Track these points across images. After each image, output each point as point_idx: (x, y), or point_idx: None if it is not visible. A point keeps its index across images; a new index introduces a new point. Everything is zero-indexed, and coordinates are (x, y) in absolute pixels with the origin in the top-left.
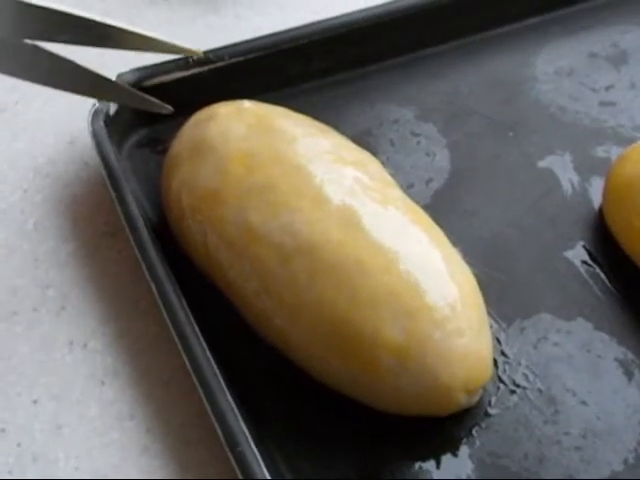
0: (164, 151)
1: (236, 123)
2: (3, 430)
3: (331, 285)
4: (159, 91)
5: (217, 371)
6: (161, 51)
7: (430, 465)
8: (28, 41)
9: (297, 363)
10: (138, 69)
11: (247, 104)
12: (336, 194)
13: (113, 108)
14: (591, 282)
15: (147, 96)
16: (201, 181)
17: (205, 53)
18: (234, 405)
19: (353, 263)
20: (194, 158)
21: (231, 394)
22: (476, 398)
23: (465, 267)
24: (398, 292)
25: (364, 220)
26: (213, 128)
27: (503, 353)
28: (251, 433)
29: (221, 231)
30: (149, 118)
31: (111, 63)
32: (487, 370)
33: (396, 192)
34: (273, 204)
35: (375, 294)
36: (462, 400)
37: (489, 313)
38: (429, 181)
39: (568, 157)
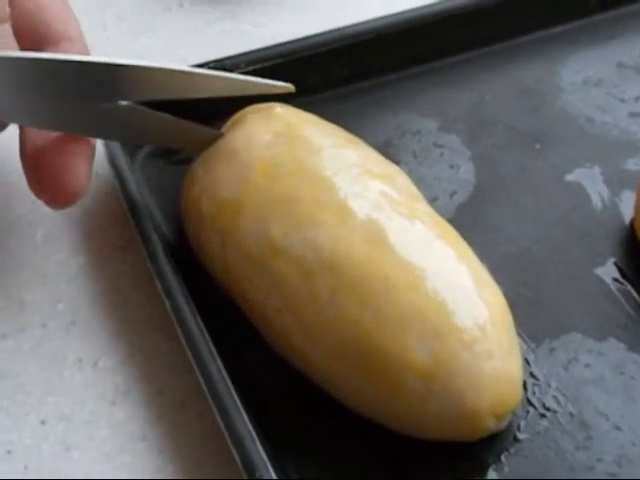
0: (179, 162)
1: (263, 130)
2: (9, 452)
3: (354, 302)
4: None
5: (233, 392)
6: (252, 92)
7: None
8: (123, 102)
9: (317, 383)
10: None
11: (278, 109)
12: (361, 208)
13: None
14: (623, 300)
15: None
16: (222, 189)
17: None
18: (251, 428)
19: (378, 280)
20: (217, 165)
21: (248, 416)
22: (505, 423)
23: (494, 285)
24: (425, 311)
25: (390, 235)
26: (238, 134)
27: (532, 375)
28: (269, 457)
29: (240, 242)
30: None
31: None
32: (517, 394)
33: (423, 206)
34: (295, 217)
35: (401, 313)
36: (490, 425)
37: (517, 332)
38: (453, 194)
39: (597, 170)
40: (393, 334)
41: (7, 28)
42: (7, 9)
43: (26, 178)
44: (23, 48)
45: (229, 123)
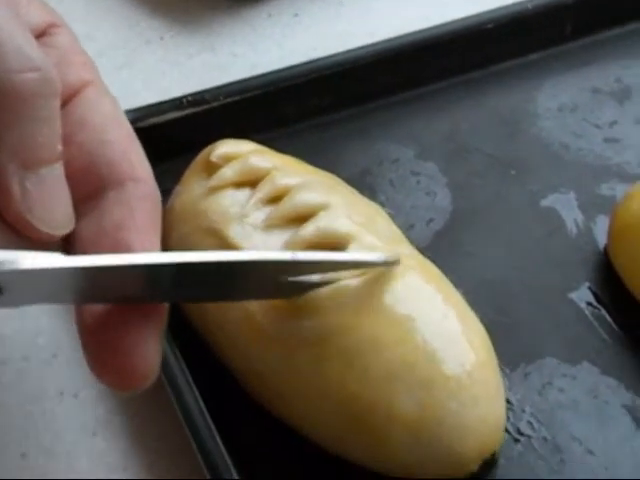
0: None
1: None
2: None
3: (340, 366)
4: (153, 132)
5: (211, 424)
6: (355, 268)
7: None
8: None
9: (298, 430)
10: (132, 110)
11: (247, 147)
12: None
13: None
14: (597, 324)
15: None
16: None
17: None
18: (229, 460)
19: (365, 341)
20: (188, 220)
21: (226, 449)
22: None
23: (479, 326)
24: (413, 362)
25: (377, 294)
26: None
27: (507, 400)
28: None
29: (222, 316)
30: None
31: None
32: (501, 434)
33: (406, 248)
34: None
35: (388, 368)
36: (475, 468)
37: None
38: (430, 221)
39: (572, 195)
40: (381, 390)
41: (56, 170)
42: (59, 147)
43: (84, 354)
44: (77, 192)
45: (201, 157)
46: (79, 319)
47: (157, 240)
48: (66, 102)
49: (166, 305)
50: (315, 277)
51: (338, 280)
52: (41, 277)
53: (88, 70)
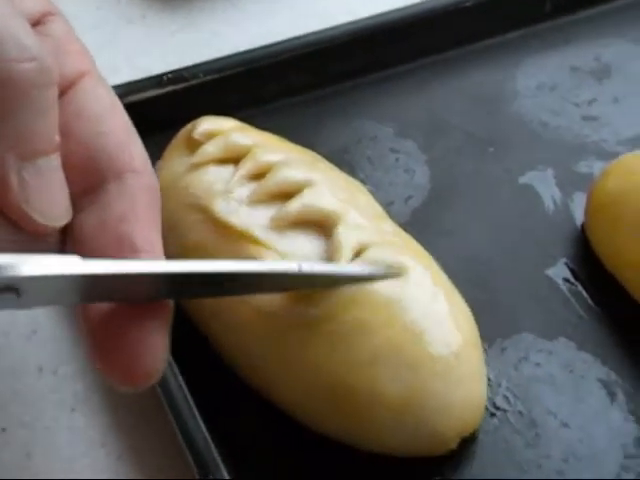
0: None
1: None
2: None
3: (326, 349)
4: (132, 110)
5: (189, 398)
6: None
7: None
8: None
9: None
10: (113, 87)
11: (232, 136)
12: None
13: None
14: (573, 300)
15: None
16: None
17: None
18: (206, 432)
19: (352, 326)
20: (170, 196)
21: (204, 423)
22: None
23: (464, 305)
24: (400, 345)
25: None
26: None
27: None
28: (227, 467)
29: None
30: None
31: None
32: (482, 412)
33: (388, 226)
34: None
35: (375, 351)
36: (454, 445)
37: None
38: (408, 199)
39: (550, 173)
40: (366, 373)
41: (53, 161)
42: (56, 137)
43: (89, 352)
44: (75, 184)
45: (183, 134)
46: (84, 316)
47: (158, 232)
48: (63, 93)
49: (171, 301)
50: None
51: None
52: (57, 281)
53: (84, 59)
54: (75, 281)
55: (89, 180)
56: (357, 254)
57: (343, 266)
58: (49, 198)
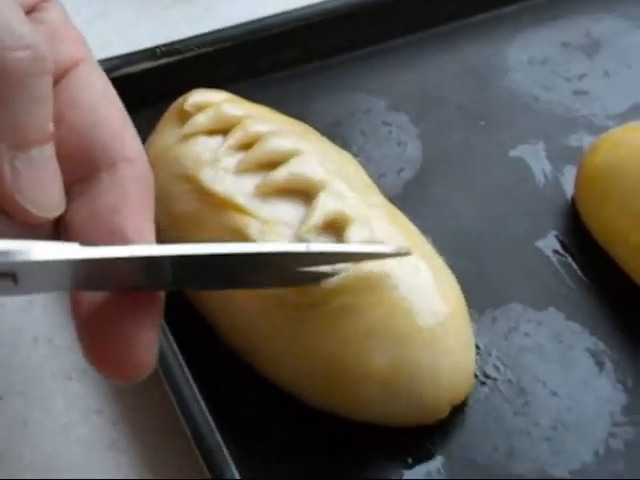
0: None
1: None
2: None
3: (320, 329)
4: (126, 82)
5: (186, 370)
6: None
7: (400, 460)
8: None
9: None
10: (106, 60)
11: (223, 107)
12: None
13: None
14: (563, 272)
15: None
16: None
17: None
18: (203, 404)
19: (343, 309)
20: (161, 167)
21: (200, 393)
22: None
23: (450, 275)
24: (390, 320)
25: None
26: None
27: (475, 345)
28: (222, 434)
29: None
30: None
31: None
32: (471, 381)
33: (377, 198)
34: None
35: (366, 329)
36: (445, 413)
37: None
38: (400, 171)
39: (541, 146)
40: (357, 349)
41: (46, 151)
42: (50, 127)
43: (80, 344)
44: (68, 173)
45: (175, 107)
46: (76, 310)
47: (151, 222)
48: (57, 81)
49: (163, 294)
50: (326, 268)
51: (347, 271)
52: (55, 267)
53: (79, 47)
54: (75, 267)
55: (82, 169)
56: (332, 224)
57: (350, 245)
58: (42, 189)
